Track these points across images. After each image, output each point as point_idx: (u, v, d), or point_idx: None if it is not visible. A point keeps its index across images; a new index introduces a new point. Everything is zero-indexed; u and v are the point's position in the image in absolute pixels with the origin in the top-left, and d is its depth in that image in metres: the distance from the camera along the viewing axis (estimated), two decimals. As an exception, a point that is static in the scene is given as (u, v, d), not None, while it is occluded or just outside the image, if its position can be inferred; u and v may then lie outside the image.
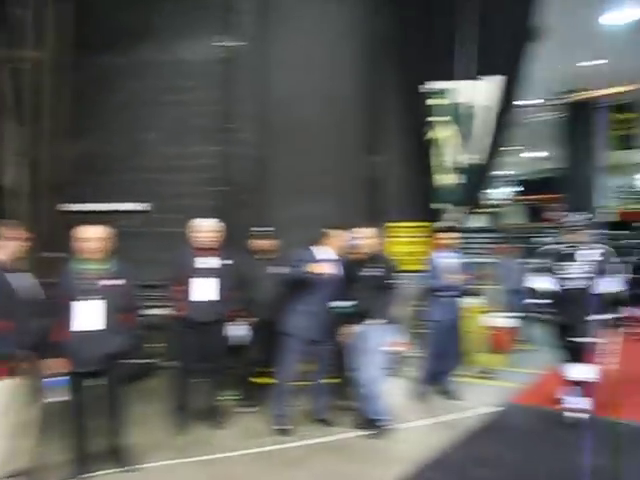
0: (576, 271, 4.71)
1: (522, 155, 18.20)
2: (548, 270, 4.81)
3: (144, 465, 3.94)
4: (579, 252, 4.76)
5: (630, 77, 11.36)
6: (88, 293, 3.68)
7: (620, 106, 12.86)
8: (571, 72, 11.52)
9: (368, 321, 4.52)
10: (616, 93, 12.10)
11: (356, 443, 4.48)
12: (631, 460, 4.09)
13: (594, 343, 4.67)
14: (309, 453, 4.26)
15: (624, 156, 14.93)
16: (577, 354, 4.78)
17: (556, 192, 15.76)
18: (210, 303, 4.60)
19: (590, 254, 4.71)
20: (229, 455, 4.19)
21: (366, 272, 4.62)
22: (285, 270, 4.68)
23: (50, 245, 5.98)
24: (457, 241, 5.65)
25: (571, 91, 12.65)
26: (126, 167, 7.16)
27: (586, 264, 4.70)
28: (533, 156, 18.79)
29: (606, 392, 5.10)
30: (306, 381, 5.08)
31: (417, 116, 6.32)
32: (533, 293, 5.00)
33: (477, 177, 5.92)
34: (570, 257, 4.75)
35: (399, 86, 6.62)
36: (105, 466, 3.87)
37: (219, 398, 5.01)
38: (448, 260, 5.53)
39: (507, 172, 19.25)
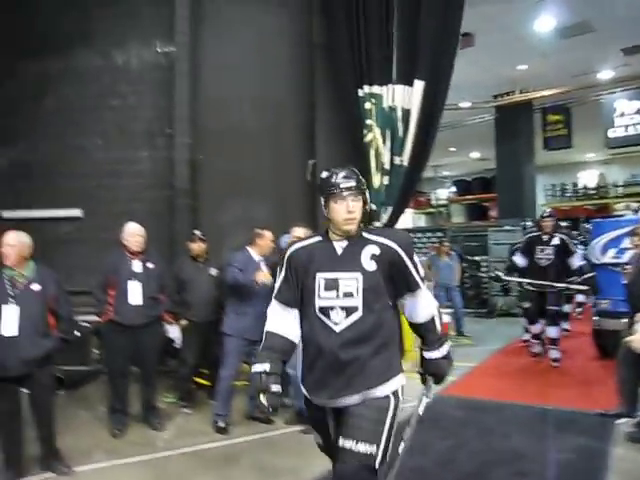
0: None
1: (458, 157, 18.72)
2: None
3: (79, 468, 3.95)
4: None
5: (559, 80, 11.93)
6: (6, 299, 3.71)
7: (550, 108, 13.43)
8: (503, 75, 12.01)
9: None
10: (546, 96, 12.67)
11: (292, 438, 4.60)
12: (552, 443, 4.39)
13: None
14: (246, 449, 4.37)
15: (553, 157, 15.62)
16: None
17: (491, 192, 16.41)
18: (136, 307, 4.65)
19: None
20: (166, 455, 4.25)
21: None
22: (227, 272, 4.79)
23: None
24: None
25: (503, 94, 13.16)
26: (61, 173, 7.09)
27: None
28: (469, 157, 19.38)
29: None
30: (243, 380, 5.19)
31: (352, 119, 6.49)
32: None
33: (405, 179, 6.15)
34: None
35: (335, 89, 6.78)
36: (38, 471, 3.88)
37: (160, 400, 5.08)
38: None
39: (445, 173, 19.78)
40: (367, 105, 6.30)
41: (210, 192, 6.98)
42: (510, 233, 12.09)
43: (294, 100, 7.18)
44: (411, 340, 6.91)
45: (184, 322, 5.20)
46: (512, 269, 7.61)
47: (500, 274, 8.01)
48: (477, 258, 12.70)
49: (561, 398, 5.52)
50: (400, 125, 6.15)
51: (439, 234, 15.07)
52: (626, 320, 5.08)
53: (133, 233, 4.75)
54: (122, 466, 4.05)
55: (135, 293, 4.63)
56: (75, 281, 5.27)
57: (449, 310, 8.73)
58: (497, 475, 3.82)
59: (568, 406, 5.25)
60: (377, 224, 6.17)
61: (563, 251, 6.88)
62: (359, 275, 2.40)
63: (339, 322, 2.40)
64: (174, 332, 5.07)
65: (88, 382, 5.99)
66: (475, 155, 19.09)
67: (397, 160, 6.16)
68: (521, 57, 10.95)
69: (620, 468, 3.91)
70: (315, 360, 2.45)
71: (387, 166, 6.18)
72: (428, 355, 2.62)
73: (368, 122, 6.27)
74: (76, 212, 7.11)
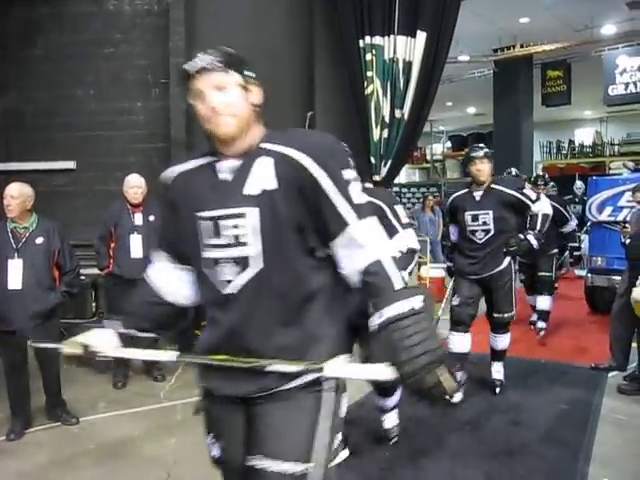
0: None
1: (454, 112, 18.53)
2: None
3: (84, 418, 4.02)
4: None
5: (561, 34, 11.71)
6: (9, 252, 3.69)
7: (550, 64, 13.27)
8: (504, 28, 11.78)
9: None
10: (547, 50, 12.46)
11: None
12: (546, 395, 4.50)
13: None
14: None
15: (550, 113, 15.49)
16: None
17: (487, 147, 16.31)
18: (138, 260, 4.61)
19: None
20: (169, 405, 4.32)
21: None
22: None
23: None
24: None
25: (504, 48, 12.93)
26: (53, 124, 6.94)
27: None
28: (465, 112, 19.17)
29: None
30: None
31: (352, 71, 6.39)
32: None
33: (405, 132, 6.10)
34: None
35: (335, 40, 6.64)
36: (45, 421, 3.96)
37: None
38: None
39: (441, 128, 19.59)
40: (368, 56, 6.19)
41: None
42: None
43: (292, 50, 7.01)
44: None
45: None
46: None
47: None
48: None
49: (554, 351, 5.63)
50: (401, 77, 6.06)
51: (433, 189, 15.13)
52: (620, 277, 5.15)
53: (132, 185, 4.70)
54: (127, 416, 4.14)
55: (136, 246, 4.61)
56: (70, 234, 5.24)
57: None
58: (493, 424, 3.93)
59: (561, 359, 5.36)
60: (376, 178, 6.14)
61: None
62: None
63: None
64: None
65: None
66: (472, 110, 18.90)
67: (397, 113, 6.09)
68: (524, 9, 10.72)
69: (611, 418, 4.03)
70: None
71: (387, 119, 6.12)
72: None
73: (369, 74, 6.19)
74: (69, 164, 7.01)
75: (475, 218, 4.17)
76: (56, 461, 3.45)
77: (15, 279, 3.65)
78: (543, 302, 6.14)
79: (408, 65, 6.04)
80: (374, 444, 3.59)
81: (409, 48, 6.02)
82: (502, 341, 4.42)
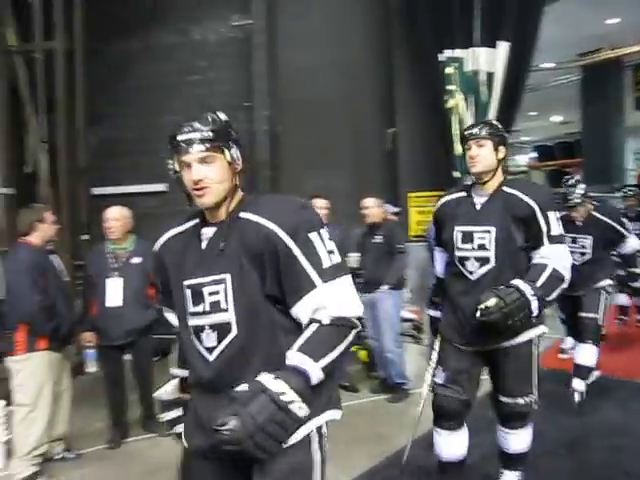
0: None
1: (538, 121, 17.96)
2: None
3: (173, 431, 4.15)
4: None
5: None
6: (109, 272, 3.91)
7: (640, 65, 12.66)
8: (590, 32, 11.32)
9: (379, 289, 4.66)
10: (637, 52, 11.86)
11: (380, 406, 4.68)
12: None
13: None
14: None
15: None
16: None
17: (574, 157, 15.66)
18: None
19: None
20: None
21: (372, 240, 4.80)
22: None
23: (74, 228, 6.28)
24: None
25: (591, 52, 12.43)
26: (146, 150, 7.31)
27: None
28: (549, 121, 18.55)
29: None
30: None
31: (432, 85, 6.36)
32: None
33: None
34: None
35: (414, 55, 6.66)
36: (141, 432, 4.15)
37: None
38: None
39: (524, 138, 19.05)
40: (448, 70, 6.13)
41: (290, 164, 7.03)
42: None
43: (372, 68, 7.07)
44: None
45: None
46: None
47: None
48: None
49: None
50: (484, 89, 5.95)
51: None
52: None
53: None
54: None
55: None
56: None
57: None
58: (591, 448, 3.70)
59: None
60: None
61: None
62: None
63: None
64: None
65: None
66: (556, 119, 18.25)
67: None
68: (613, 9, 10.25)
69: None
70: None
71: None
72: None
73: (450, 87, 6.11)
74: (161, 187, 7.35)
75: (468, 237, 2.66)
76: (151, 470, 3.58)
77: (115, 297, 3.85)
78: (584, 354, 4.42)
79: (490, 76, 5.93)
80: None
81: (491, 59, 5.92)
82: (517, 440, 2.85)
